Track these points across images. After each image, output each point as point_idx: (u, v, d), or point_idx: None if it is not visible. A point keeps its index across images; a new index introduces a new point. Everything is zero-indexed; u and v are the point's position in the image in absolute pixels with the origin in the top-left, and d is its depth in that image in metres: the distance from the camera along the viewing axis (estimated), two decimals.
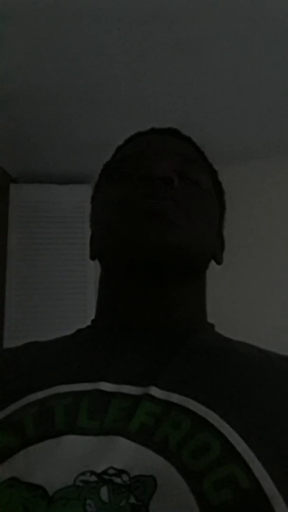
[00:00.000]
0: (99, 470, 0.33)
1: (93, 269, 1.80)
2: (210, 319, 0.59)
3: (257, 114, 1.75)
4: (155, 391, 0.40)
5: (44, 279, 1.95)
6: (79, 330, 0.57)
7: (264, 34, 1.36)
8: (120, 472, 0.33)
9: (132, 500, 0.32)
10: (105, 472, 0.33)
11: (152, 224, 0.49)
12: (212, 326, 0.58)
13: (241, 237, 1.73)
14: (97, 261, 0.61)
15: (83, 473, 0.33)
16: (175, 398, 0.40)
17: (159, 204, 0.50)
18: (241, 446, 0.35)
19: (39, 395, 0.41)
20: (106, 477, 0.33)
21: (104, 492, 0.32)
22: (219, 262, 0.61)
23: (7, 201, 2.04)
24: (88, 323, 0.59)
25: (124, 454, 0.35)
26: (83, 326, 0.59)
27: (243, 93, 1.62)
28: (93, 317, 0.60)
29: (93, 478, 0.33)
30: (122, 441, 0.36)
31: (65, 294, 1.94)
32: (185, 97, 1.64)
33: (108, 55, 1.42)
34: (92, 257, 0.62)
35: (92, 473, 0.33)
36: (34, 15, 1.26)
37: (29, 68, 1.47)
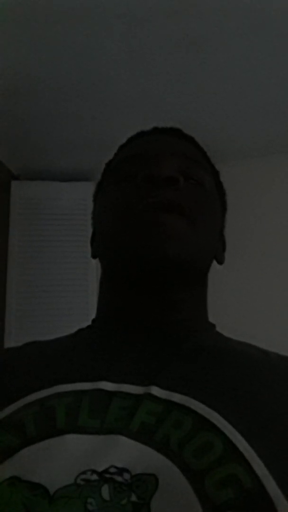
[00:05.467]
0: (100, 468, 0.33)
1: (95, 266, 1.79)
2: (211, 319, 0.59)
3: (258, 112, 1.74)
4: (156, 391, 0.40)
5: (46, 276, 1.94)
6: (80, 330, 0.57)
7: (267, 31, 1.35)
8: (121, 471, 0.33)
9: (134, 498, 0.32)
10: (106, 470, 0.33)
11: (154, 237, 0.49)
12: (213, 326, 0.58)
13: (242, 235, 1.72)
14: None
15: (84, 472, 0.33)
16: (176, 397, 0.39)
17: (162, 215, 0.50)
18: (243, 445, 0.35)
19: (40, 394, 0.41)
20: (107, 475, 0.33)
21: (105, 490, 0.32)
22: (220, 262, 0.61)
23: (9, 198, 2.03)
24: (90, 320, 0.59)
25: (126, 452, 0.35)
26: (85, 324, 0.59)
27: (245, 90, 1.61)
28: (94, 314, 0.59)
29: (94, 477, 0.33)
30: (123, 440, 0.36)
31: (67, 291, 1.93)
32: (186, 94, 1.63)
33: (110, 52, 1.42)
34: (94, 256, 0.62)
35: (93, 471, 0.33)
36: (36, 11, 1.25)
37: (30, 64, 1.47)
